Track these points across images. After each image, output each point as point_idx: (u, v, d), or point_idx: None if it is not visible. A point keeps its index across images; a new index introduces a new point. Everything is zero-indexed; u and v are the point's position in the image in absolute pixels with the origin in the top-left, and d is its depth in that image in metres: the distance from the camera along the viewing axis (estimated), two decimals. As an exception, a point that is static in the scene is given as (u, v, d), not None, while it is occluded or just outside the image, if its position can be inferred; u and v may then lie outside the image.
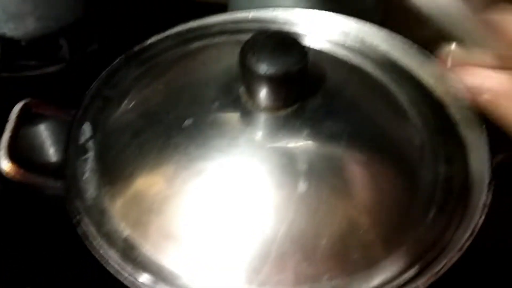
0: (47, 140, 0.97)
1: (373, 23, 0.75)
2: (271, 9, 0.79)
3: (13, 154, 0.59)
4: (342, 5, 0.86)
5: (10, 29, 1.00)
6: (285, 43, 0.52)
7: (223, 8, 1.07)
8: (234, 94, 0.58)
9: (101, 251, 0.53)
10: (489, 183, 0.53)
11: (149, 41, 0.75)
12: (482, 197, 0.53)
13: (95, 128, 0.64)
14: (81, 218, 0.55)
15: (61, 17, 1.06)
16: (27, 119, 0.64)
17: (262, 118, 0.55)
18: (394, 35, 0.72)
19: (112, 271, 0.52)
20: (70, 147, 0.63)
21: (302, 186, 0.52)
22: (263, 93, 0.54)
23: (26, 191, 0.76)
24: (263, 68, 0.51)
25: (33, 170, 0.60)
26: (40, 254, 0.77)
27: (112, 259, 0.53)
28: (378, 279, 0.50)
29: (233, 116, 0.56)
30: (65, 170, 0.60)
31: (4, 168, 0.57)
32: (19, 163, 0.58)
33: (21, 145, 0.61)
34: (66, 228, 0.55)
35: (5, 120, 0.62)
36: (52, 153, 0.96)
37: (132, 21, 1.21)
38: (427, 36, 0.88)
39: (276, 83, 0.52)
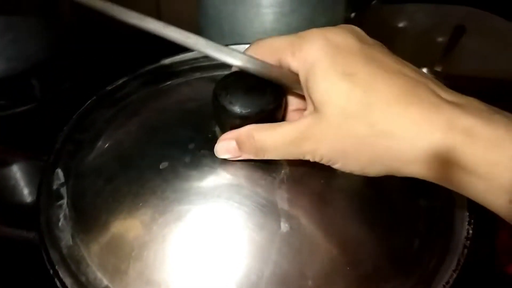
0: (20, 181, 0.94)
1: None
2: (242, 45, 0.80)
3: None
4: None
5: (-22, 71, 0.98)
6: (259, 81, 0.52)
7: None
8: (210, 134, 0.57)
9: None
10: (470, 216, 0.53)
11: (122, 80, 0.75)
12: (464, 230, 0.52)
13: (67, 174, 0.62)
14: (57, 269, 0.53)
15: (31, 57, 1.04)
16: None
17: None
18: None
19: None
20: (43, 194, 0.60)
21: (283, 226, 0.51)
22: (238, 133, 0.53)
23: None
24: (237, 108, 0.50)
25: (4, 222, 0.58)
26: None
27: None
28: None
29: (209, 157, 0.55)
30: (39, 218, 0.58)
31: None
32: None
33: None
34: (44, 279, 0.53)
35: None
36: (26, 194, 0.93)
37: (104, 59, 1.20)
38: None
39: (251, 122, 0.51)
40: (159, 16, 1.34)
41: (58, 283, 0.52)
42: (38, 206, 0.58)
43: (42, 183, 0.61)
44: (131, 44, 1.24)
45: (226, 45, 0.79)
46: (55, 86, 1.12)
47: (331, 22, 0.89)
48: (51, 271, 0.53)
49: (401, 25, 1.23)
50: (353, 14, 0.91)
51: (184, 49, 0.81)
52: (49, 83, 1.11)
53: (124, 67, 0.76)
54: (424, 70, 1.13)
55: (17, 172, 0.94)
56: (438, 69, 1.12)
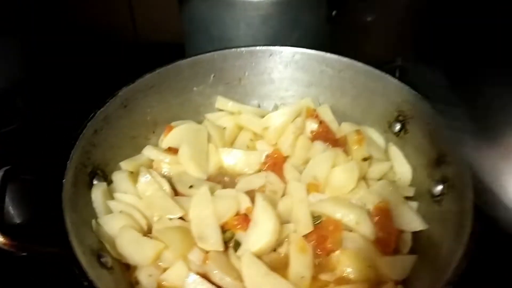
0: (11, 202, 0.93)
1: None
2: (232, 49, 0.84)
3: (3, 225, 0.58)
4: (293, 31, 0.91)
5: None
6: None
7: (181, 48, 1.09)
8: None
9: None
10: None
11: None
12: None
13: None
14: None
15: (11, 75, 1.00)
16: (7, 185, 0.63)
17: None
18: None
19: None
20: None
21: None
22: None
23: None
24: None
25: (23, 239, 0.58)
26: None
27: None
28: None
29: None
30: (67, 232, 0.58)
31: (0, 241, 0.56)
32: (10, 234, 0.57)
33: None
34: None
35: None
36: (15, 215, 0.93)
37: (89, 70, 1.20)
38: (373, 53, 0.94)
39: None
40: (134, 26, 1.34)
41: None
42: (63, 221, 0.59)
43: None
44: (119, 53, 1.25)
45: (216, 50, 0.84)
46: (40, 105, 1.10)
47: (315, 22, 0.93)
48: (85, 282, 0.54)
49: (371, 19, 1.27)
50: (334, 12, 0.94)
51: (168, 53, 0.84)
52: (33, 103, 1.09)
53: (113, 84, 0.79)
54: (399, 60, 1.17)
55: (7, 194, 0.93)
56: (411, 57, 1.17)
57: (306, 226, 0.67)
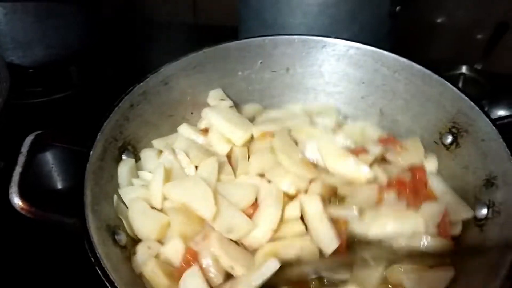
0: (55, 168, 0.95)
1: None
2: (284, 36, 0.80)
3: (25, 190, 0.57)
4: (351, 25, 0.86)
5: (18, 57, 0.98)
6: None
7: (235, 31, 1.07)
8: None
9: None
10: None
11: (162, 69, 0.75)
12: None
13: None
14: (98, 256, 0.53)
15: (70, 45, 1.04)
16: (37, 150, 0.62)
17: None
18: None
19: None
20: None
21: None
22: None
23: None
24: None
25: (44, 207, 0.57)
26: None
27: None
28: None
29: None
30: (83, 205, 0.57)
31: (18, 205, 0.55)
32: (30, 198, 0.56)
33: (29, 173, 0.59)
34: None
35: (12, 147, 0.60)
36: (59, 181, 0.94)
37: (143, 48, 1.21)
38: (436, 58, 0.88)
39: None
40: (194, 9, 1.33)
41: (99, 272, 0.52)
42: (82, 193, 0.58)
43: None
44: (171, 32, 1.25)
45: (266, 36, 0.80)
46: (93, 74, 1.12)
47: (375, 16, 0.87)
48: (92, 258, 0.53)
49: (439, 20, 1.20)
50: (398, 8, 0.88)
51: (222, 35, 0.82)
52: (87, 71, 1.11)
53: (164, 58, 0.77)
54: (464, 68, 1.10)
55: (50, 159, 0.95)
56: (478, 67, 1.09)
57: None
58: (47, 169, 0.94)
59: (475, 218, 0.63)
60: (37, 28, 0.97)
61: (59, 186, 0.93)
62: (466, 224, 0.64)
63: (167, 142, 0.74)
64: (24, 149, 0.60)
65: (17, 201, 0.55)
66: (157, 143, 0.74)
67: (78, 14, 1.03)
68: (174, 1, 1.32)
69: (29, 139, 0.61)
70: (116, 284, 0.50)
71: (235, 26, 1.05)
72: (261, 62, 0.82)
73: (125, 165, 0.68)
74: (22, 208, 0.56)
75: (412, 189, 0.68)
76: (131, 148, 0.71)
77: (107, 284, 0.50)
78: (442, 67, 0.74)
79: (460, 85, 0.73)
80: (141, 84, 0.72)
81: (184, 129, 0.76)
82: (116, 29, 1.23)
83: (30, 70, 1.03)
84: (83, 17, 1.05)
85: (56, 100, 1.06)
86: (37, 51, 1.00)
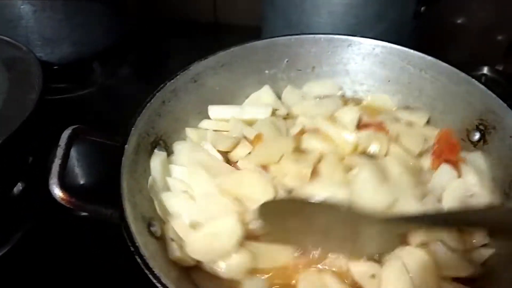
0: (77, 163, 0.96)
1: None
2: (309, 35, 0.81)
3: (64, 181, 0.59)
4: (377, 24, 0.87)
5: (46, 54, 1.01)
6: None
7: (255, 30, 1.08)
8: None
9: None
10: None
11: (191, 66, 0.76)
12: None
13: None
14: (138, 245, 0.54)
15: (96, 42, 1.06)
16: (73, 144, 0.64)
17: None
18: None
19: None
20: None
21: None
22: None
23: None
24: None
25: (82, 198, 0.59)
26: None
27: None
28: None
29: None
30: (121, 196, 0.59)
31: (58, 196, 0.57)
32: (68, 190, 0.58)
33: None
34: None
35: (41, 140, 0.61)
36: (81, 175, 0.95)
37: (165, 46, 1.23)
38: (458, 58, 0.89)
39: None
40: (215, 9, 1.34)
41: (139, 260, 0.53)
42: (119, 185, 0.59)
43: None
44: (195, 31, 1.27)
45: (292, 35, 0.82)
46: (115, 71, 1.14)
47: (400, 16, 0.88)
48: (132, 247, 0.54)
49: (461, 21, 1.20)
50: (423, 8, 0.89)
51: (245, 35, 0.83)
52: (110, 69, 1.13)
53: (188, 57, 0.78)
54: (485, 69, 1.10)
55: (73, 154, 0.96)
56: (500, 68, 1.09)
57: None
58: (70, 164, 0.95)
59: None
60: (65, 26, 0.99)
61: (82, 181, 0.95)
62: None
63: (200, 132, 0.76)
64: (62, 142, 0.62)
65: (57, 192, 0.57)
66: (190, 132, 0.76)
67: (104, 12, 1.05)
68: (195, 0, 1.33)
69: (66, 133, 0.63)
70: (155, 272, 0.51)
71: (256, 26, 1.06)
72: (287, 61, 0.83)
73: (157, 157, 0.70)
74: (62, 199, 0.57)
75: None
76: (163, 143, 0.72)
77: (147, 271, 0.52)
78: (464, 68, 0.74)
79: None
80: (172, 81, 0.74)
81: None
82: (138, 28, 1.24)
83: (55, 67, 1.05)
84: (109, 14, 1.07)
85: (79, 96, 1.08)
86: (64, 48, 1.03)
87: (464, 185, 0.66)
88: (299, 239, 0.60)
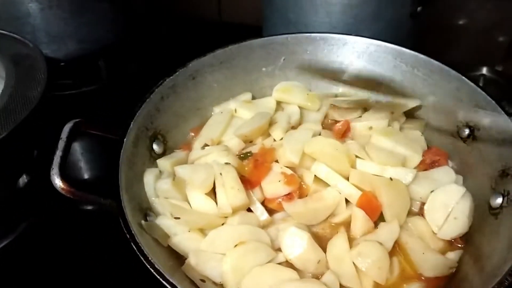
0: (81, 158, 0.98)
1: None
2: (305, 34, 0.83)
3: (64, 172, 0.61)
4: (374, 24, 0.89)
5: (52, 50, 1.03)
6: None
7: (258, 29, 1.10)
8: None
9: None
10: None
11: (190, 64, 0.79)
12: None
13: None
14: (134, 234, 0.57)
15: (101, 40, 1.08)
16: (74, 137, 0.66)
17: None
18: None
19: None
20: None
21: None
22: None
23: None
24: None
25: (82, 188, 0.61)
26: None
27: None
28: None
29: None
30: (118, 186, 0.61)
31: (58, 186, 0.59)
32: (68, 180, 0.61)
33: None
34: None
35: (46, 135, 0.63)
36: (85, 170, 0.98)
37: (169, 44, 1.24)
38: (456, 59, 0.90)
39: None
40: (219, 8, 1.36)
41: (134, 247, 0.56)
42: (117, 176, 0.62)
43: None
44: (197, 30, 1.29)
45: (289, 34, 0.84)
46: (120, 68, 1.16)
47: (397, 16, 0.89)
48: (128, 235, 0.57)
49: (461, 22, 1.21)
50: (419, 8, 0.90)
51: (246, 34, 0.85)
52: (115, 66, 1.15)
53: (190, 54, 0.80)
54: (484, 69, 1.11)
55: (78, 149, 0.99)
56: (499, 68, 1.10)
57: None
58: (75, 158, 0.97)
59: (490, 207, 0.65)
60: (71, 23, 1.02)
61: (86, 176, 0.97)
62: (482, 213, 0.66)
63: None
64: (64, 135, 0.65)
65: (58, 182, 0.60)
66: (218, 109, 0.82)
67: (110, 10, 1.07)
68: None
69: (68, 126, 0.66)
70: (150, 258, 0.54)
71: (259, 25, 1.08)
72: (284, 59, 0.85)
73: (150, 174, 0.71)
74: (62, 189, 0.60)
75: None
76: (161, 138, 0.75)
77: (142, 258, 0.54)
78: (463, 68, 0.75)
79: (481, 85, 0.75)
80: (171, 77, 0.76)
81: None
82: (143, 26, 1.26)
83: (62, 64, 1.07)
84: (114, 13, 1.09)
85: (84, 93, 1.10)
86: (70, 45, 1.05)
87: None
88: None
